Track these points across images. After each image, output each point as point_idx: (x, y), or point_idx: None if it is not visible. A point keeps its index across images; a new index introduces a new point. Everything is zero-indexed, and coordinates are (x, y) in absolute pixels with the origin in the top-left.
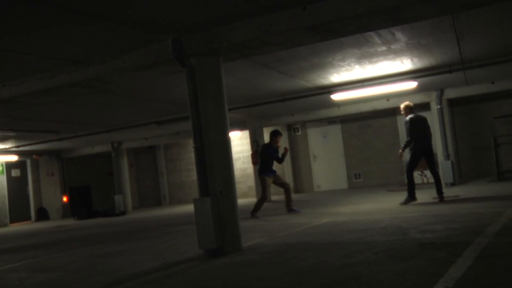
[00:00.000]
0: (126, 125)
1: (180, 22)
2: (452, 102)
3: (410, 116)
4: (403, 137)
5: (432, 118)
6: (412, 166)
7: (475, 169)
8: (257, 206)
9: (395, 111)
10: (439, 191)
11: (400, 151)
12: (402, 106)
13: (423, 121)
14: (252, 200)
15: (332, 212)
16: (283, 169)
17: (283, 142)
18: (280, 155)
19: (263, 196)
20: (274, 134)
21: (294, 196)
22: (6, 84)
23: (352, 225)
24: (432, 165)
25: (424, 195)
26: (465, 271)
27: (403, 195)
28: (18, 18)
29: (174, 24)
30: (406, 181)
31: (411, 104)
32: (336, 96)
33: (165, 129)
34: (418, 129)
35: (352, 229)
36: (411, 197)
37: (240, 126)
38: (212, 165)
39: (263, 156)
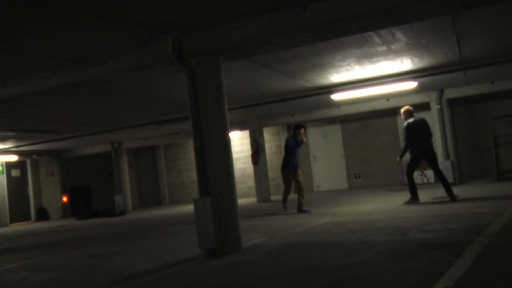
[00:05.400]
0: (126, 125)
1: (180, 22)
2: (452, 102)
3: (408, 121)
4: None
5: (432, 118)
6: (410, 169)
7: (475, 169)
8: (300, 200)
9: (395, 111)
10: (448, 190)
11: (398, 159)
12: (402, 110)
13: (421, 124)
14: (253, 200)
15: (332, 212)
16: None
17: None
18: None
19: (300, 188)
20: (298, 127)
21: (294, 195)
22: (6, 84)
23: (352, 225)
24: (436, 168)
25: (424, 195)
26: (465, 271)
27: (403, 195)
28: (18, 18)
29: (174, 24)
30: (407, 182)
31: (411, 108)
32: (336, 96)
33: (165, 129)
34: (414, 135)
35: (352, 229)
36: (414, 198)
37: (240, 126)
38: (212, 165)
39: (287, 150)
